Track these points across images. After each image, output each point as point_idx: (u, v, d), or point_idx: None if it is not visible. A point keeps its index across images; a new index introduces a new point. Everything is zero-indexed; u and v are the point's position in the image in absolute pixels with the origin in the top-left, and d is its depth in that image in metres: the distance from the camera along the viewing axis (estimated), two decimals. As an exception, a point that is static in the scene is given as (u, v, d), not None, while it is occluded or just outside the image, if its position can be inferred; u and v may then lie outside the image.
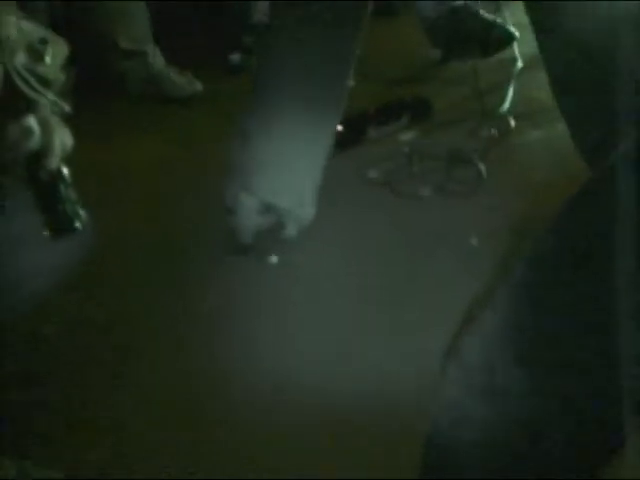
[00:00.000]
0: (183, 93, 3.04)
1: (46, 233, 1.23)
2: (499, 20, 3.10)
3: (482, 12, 3.09)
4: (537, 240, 0.93)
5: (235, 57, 3.30)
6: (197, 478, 1.72)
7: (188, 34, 3.19)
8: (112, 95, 2.97)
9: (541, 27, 1.83)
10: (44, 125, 1.20)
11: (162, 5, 3.17)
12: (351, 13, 2.02)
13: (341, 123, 2.69)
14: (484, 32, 3.05)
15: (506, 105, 2.79)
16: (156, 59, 3.09)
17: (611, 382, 0.77)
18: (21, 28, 1.12)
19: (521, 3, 3.17)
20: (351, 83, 2.94)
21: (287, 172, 2.14)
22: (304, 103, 2.09)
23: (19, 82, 1.13)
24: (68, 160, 1.27)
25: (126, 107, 2.93)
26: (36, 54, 1.13)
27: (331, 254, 2.22)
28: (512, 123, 2.71)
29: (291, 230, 2.19)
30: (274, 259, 2.18)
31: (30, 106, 1.17)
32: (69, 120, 1.26)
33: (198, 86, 3.07)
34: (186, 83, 3.06)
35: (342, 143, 2.68)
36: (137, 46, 3.05)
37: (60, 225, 1.23)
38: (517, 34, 3.07)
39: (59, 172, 1.23)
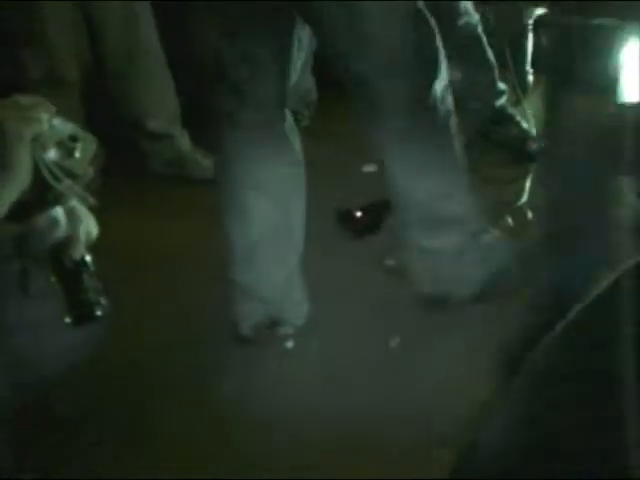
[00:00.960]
0: (208, 175, 3.04)
1: (67, 319, 1.28)
2: (533, 129, 3.15)
3: (517, 116, 3.13)
4: (546, 341, 0.93)
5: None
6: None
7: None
8: (136, 175, 3.02)
9: None
10: (70, 216, 1.25)
11: (192, 87, 3.21)
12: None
13: (360, 209, 2.73)
14: (521, 141, 3.09)
15: (524, 197, 2.82)
16: (183, 141, 3.12)
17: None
18: (52, 125, 1.18)
19: (540, 97, 3.21)
20: (373, 168, 2.99)
21: (267, 275, 2.20)
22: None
23: (47, 176, 1.18)
24: (93, 244, 1.32)
25: (150, 188, 2.97)
26: (66, 150, 1.19)
27: (346, 339, 2.24)
28: (529, 215, 2.73)
29: (287, 329, 2.23)
30: (290, 344, 2.21)
31: (57, 198, 1.22)
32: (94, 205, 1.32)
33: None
34: (211, 165, 3.08)
35: (360, 230, 2.71)
36: (165, 129, 3.08)
37: (81, 312, 1.27)
38: None
39: (83, 261, 1.27)
